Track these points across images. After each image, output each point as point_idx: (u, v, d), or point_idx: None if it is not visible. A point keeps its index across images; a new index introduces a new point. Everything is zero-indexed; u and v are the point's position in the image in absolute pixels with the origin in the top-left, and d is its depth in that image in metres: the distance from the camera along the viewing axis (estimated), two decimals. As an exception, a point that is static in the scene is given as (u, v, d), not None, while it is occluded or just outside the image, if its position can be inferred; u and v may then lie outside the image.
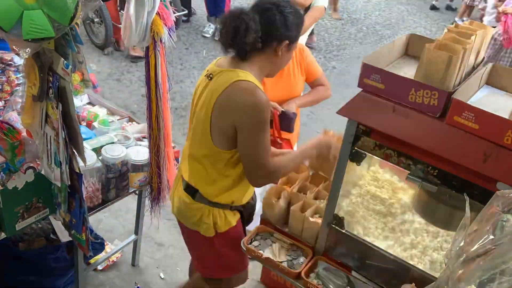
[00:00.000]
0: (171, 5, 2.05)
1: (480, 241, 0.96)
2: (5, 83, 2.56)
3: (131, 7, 1.83)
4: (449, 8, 9.27)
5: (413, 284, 1.49)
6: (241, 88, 1.70)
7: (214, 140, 1.78)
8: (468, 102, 1.50)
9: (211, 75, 1.78)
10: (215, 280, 2.18)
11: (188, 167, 1.94)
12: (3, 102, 2.51)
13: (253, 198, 2.15)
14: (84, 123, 2.57)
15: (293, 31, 1.78)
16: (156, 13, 1.93)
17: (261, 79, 1.84)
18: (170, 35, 2.02)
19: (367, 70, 1.62)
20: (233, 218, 1.99)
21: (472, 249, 0.96)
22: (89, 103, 2.86)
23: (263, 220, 2.17)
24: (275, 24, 1.72)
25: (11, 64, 2.60)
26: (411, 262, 1.81)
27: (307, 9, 3.50)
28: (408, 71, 1.78)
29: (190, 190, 1.93)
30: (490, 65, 1.82)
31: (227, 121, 1.73)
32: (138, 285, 2.83)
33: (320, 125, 4.56)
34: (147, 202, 2.57)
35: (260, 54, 1.76)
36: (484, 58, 1.88)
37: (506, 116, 1.42)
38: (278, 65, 1.86)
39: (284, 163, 1.89)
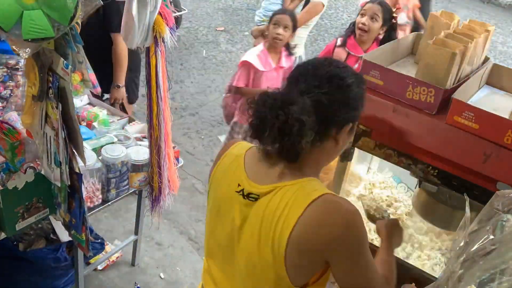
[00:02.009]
0: (171, 4, 2.05)
1: (480, 241, 0.96)
2: (15, 88, 2.55)
3: (134, 8, 1.82)
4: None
5: (413, 284, 1.49)
6: (327, 207, 1.16)
7: (293, 279, 1.22)
8: (468, 102, 1.50)
9: (252, 195, 1.24)
10: None
11: None
12: (3, 102, 2.51)
13: None
14: (84, 123, 2.57)
15: (359, 107, 1.27)
16: (158, 13, 1.92)
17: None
18: (172, 35, 2.02)
19: (367, 66, 1.63)
20: None
21: (472, 249, 0.96)
22: (89, 104, 2.86)
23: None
24: (335, 107, 1.19)
25: (18, 68, 2.58)
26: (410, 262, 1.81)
27: (306, 3, 3.50)
28: (411, 69, 1.78)
29: None
30: (490, 65, 1.82)
31: (315, 256, 1.19)
32: (138, 285, 2.83)
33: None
34: (147, 202, 2.57)
35: (314, 149, 1.22)
36: (486, 57, 1.87)
37: (506, 116, 1.42)
38: (336, 153, 1.34)
39: (389, 267, 1.38)
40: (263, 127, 1.17)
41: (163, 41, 1.99)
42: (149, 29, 1.92)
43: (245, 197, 1.25)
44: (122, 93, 3.15)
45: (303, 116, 1.13)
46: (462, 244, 1.02)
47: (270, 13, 3.56)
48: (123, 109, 3.17)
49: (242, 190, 1.25)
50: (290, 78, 1.26)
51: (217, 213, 1.35)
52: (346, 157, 1.75)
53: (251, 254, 1.24)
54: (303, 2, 3.62)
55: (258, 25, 3.69)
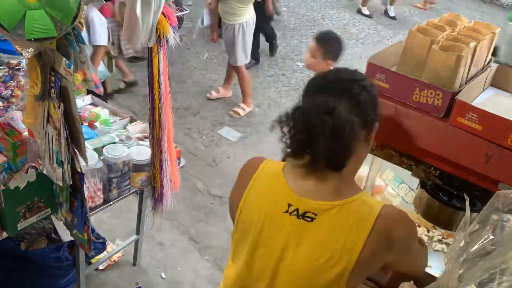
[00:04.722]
0: (173, 4, 2.05)
1: (480, 241, 0.96)
2: (16, 88, 2.55)
3: (138, 8, 1.81)
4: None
5: (412, 282, 1.49)
6: (390, 222, 1.19)
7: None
8: (472, 104, 1.49)
9: (308, 214, 1.21)
10: None
11: None
12: (3, 102, 2.51)
13: None
14: (86, 123, 2.58)
15: (378, 106, 1.28)
16: (161, 13, 1.92)
17: None
18: (175, 34, 2.01)
19: (372, 69, 1.61)
20: None
21: (472, 249, 0.96)
22: (92, 104, 2.87)
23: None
24: (367, 107, 1.20)
25: (19, 68, 2.58)
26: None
27: None
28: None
29: None
30: (495, 66, 1.82)
31: (377, 267, 1.26)
32: (139, 285, 2.84)
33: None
34: (148, 202, 2.57)
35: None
36: (491, 59, 1.86)
37: (511, 118, 1.41)
38: (365, 156, 1.31)
39: None
40: (312, 138, 1.13)
41: (167, 41, 1.99)
42: (152, 29, 1.92)
43: (300, 217, 1.21)
44: None
45: (352, 117, 1.13)
46: (462, 244, 1.02)
47: None
48: None
49: (296, 210, 1.22)
50: (307, 92, 1.24)
51: (258, 237, 1.29)
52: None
53: (303, 274, 1.23)
54: None
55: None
